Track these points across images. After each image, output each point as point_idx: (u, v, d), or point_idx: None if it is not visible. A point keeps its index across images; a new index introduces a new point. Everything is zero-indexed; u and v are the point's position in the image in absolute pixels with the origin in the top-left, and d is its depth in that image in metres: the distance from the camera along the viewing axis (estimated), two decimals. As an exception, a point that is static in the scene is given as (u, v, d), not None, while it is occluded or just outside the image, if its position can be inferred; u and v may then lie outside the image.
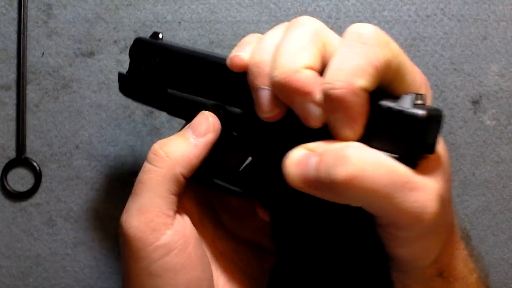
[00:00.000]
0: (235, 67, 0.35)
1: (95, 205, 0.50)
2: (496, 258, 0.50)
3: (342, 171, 0.29)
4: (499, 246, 0.50)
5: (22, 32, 0.49)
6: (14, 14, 0.50)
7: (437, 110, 0.31)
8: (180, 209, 0.37)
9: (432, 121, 0.31)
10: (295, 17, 0.50)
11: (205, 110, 0.38)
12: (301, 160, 0.31)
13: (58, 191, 0.50)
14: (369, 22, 0.50)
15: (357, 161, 0.29)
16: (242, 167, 0.40)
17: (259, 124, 0.35)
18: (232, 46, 0.50)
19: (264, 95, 0.33)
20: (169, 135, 0.49)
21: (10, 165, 0.49)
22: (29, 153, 0.50)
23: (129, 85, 0.41)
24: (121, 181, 0.50)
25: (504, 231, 0.50)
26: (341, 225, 0.34)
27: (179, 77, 0.39)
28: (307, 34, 0.33)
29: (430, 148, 0.31)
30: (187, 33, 0.50)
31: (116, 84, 0.50)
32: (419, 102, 0.31)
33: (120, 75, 0.42)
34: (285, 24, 0.35)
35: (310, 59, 0.32)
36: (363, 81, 0.30)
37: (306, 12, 0.50)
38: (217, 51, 0.50)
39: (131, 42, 0.50)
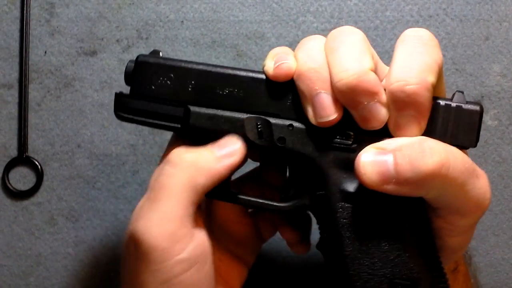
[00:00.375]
0: (283, 76, 0.35)
1: (97, 204, 0.50)
2: (497, 258, 0.50)
3: (429, 162, 0.31)
4: (500, 246, 0.50)
5: (24, 30, 0.49)
6: (17, 13, 0.50)
7: (482, 104, 0.35)
8: (197, 221, 0.35)
9: (482, 114, 0.35)
10: (298, 17, 0.50)
11: (239, 123, 0.37)
12: (376, 159, 0.32)
13: (60, 190, 0.50)
14: (371, 22, 0.50)
15: (442, 151, 0.31)
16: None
17: (304, 133, 0.36)
18: (234, 45, 0.50)
19: (326, 99, 0.33)
20: (170, 135, 0.50)
21: (12, 164, 0.49)
22: (30, 152, 0.50)
23: (133, 105, 0.39)
24: (122, 180, 0.50)
25: (505, 231, 0.50)
26: (398, 223, 0.35)
27: (202, 93, 0.38)
28: (362, 39, 0.34)
29: (477, 140, 0.35)
30: (189, 32, 0.50)
31: (118, 83, 0.50)
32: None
33: (119, 95, 0.39)
34: (317, 36, 0.36)
35: (372, 62, 0.33)
36: (432, 78, 0.32)
37: (308, 12, 0.50)
38: (220, 50, 0.50)
39: (133, 42, 0.50)
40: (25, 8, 0.49)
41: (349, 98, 0.33)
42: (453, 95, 0.35)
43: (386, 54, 0.48)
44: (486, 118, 0.50)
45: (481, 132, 0.50)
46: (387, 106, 0.33)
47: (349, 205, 0.35)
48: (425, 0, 0.50)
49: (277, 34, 0.50)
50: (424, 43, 0.33)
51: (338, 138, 0.36)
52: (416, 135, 0.33)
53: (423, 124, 0.33)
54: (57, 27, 0.50)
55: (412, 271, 0.34)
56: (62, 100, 0.50)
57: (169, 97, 0.38)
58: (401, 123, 0.33)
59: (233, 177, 0.39)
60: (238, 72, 0.37)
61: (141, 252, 0.33)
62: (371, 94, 0.32)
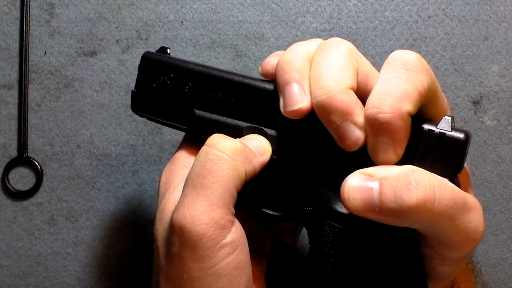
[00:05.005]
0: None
1: (96, 204, 0.50)
2: (496, 258, 0.50)
3: (413, 196, 0.30)
4: (499, 246, 0.50)
5: (24, 31, 0.49)
6: (16, 13, 0.50)
7: (468, 133, 0.33)
8: None
9: (468, 143, 0.33)
10: (297, 17, 0.50)
11: (239, 131, 0.37)
12: (362, 185, 0.32)
13: (59, 190, 0.50)
14: (370, 22, 0.50)
15: (427, 185, 0.30)
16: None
17: (298, 145, 0.36)
18: (233, 46, 0.51)
19: (295, 88, 0.34)
20: (170, 135, 0.50)
21: (12, 164, 0.49)
22: (30, 152, 0.50)
23: (141, 102, 0.39)
24: (122, 181, 0.50)
25: (504, 231, 0.50)
26: (386, 248, 0.34)
27: (198, 96, 0.38)
28: (346, 54, 0.34)
29: (461, 168, 0.33)
30: (189, 32, 0.50)
31: (117, 84, 0.50)
32: (453, 124, 0.33)
33: (134, 92, 0.40)
34: (314, 40, 0.36)
35: (352, 80, 0.33)
36: (409, 106, 0.31)
37: (308, 13, 0.50)
38: (219, 50, 0.50)
39: (133, 42, 0.50)
40: (25, 9, 0.49)
41: (322, 116, 0.33)
42: (441, 119, 0.33)
43: (385, 54, 0.48)
44: (485, 118, 0.50)
45: (480, 132, 0.50)
46: (363, 128, 0.32)
47: (335, 224, 0.35)
48: (424, 0, 0.50)
49: (277, 34, 0.50)
50: (407, 68, 0.32)
51: (330, 157, 0.35)
52: (393, 161, 0.32)
53: (400, 151, 0.32)
54: (57, 28, 0.50)
55: None
56: (62, 100, 0.50)
57: (168, 97, 0.38)
58: (377, 148, 0.32)
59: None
60: (230, 77, 0.37)
61: (189, 240, 0.33)
62: (343, 114, 0.32)
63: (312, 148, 0.35)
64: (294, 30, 0.50)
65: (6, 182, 0.49)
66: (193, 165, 0.34)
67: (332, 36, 0.50)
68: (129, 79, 0.50)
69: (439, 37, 0.50)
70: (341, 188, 0.32)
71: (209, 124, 0.37)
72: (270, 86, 0.37)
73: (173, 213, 0.34)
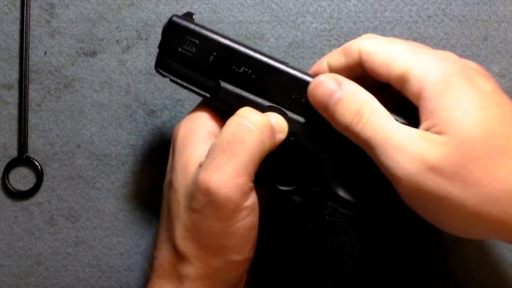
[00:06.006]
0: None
1: (96, 204, 0.50)
2: (496, 258, 0.50)
3: (363, 130, 0.35)
4: (499, 246, 0.50)
5: (24, 31, 0.49)
6: (17, 13, 0.50)
7: None
8: None
9: None
10: (297, 17, 0.50)
11: (261, 109, 0.39)
12: (328, 91, 0.36)
13: (60, 190, 0.50)
14: (370, 22, 0.50)
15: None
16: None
17: (317, 131, 0.38)
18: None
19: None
20: (170, 135, 0.50)
21: (12, 164, 0.49)
22: (31, 152, 0.50)
23: (171, 65, 0.40)
24: (122, 180, 0.50)
25: (504, 231, 0.50)
26: (372, 237, 0.38)
27: (222, 67, 0.39)
28: None
29: None
30: (189, 33, 0.50)
31: (117, 84, 0.50)
32: None
33: (159, 52, 0.41)
34: None
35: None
36: None
37: (308, 13, 0.50)
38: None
39: (133, 42, 0.50)
40: (25, 9, 0.49)
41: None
42: None
43: (385, 54, 0.48)
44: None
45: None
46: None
47: (337, 206, 0.37)
48: (424, 0, 0.50)
49: (277, 34, 0.50)
50: None
51: (338, 150, 0.38)
52: None
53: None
54: (57, 28, 0.50)
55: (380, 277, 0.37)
56: (62, 100, 0.50)
57: (193, 63, 0.39)
58: None
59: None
60: (253, 53, 0.39)
61: (214, 200, 0.36)
62: None
63: (325, 137, 0.38)
64: (294, 30, 0.50)
65: (6, 182, 0.49)
66: (223, 132, 0.37)
67: (332, 36, 0.50)
68: (129, 79, 0.50)
69: (439, 37, 0.50)
70: (315, 79, 0.37)
71: (232, 97, 0.39)
72: (290, 70, 0.39)
73: (200, 173, 0.36)
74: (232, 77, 0.39)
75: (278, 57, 0.40)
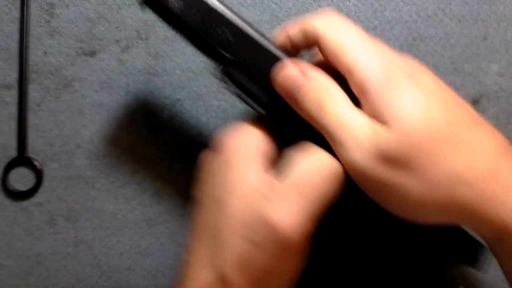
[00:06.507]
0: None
1: (96, 204, 0.50)
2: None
3: (321, 118, 0.35)
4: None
5: (24, 31, 0.49)
6: (16, 13, 0.50)
7: None
8: None
9: None
10: (296, 17, 0.50)
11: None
12: (293, 77, 0.37)
13: (59, 190, 0.50)
14: (370, 22, 0.50)
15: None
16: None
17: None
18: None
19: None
20: (170, 135, 0.50)
21: (12, 165, 0.49)
22: (30, 152, 0.50)
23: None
24: (122, 180, 0.50)
25: (503, 230, 0.50)
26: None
27: (204, 22, 0.39)
28: None
29: None
30: (188, 32, 0.50)
31: (117, 84, 0.50)
32: None
33: None
34: None
35: None
36: None
37: (308, 13, 0.50)
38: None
39: (133, 42, 0.50)
40: (24, 9, 0.49)
41: None
42: None
43: (384, 54, 0.48)
44: (484, 117, 0.51)
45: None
46: None
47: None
48: (423, 0, 0.50)
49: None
50: None
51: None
52: None
53: None
54: (57, 28, 0.50)
55: None
56: (62, 100, 0.50)
57: (178, 14, 0.39)
58: None
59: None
60: (235, 20, 0.39)
61: (279, 241, 0.35)
62: None
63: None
64: (293, 30, 0.50)
65: (6, 182, 0.49)
66: (300, 170, 0.36)
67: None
68: (129, 79, 0.50)
69: (439, 37, 0.50)
70: (279, 66, 0.38)
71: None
72: (267, 43, 0.39)
73: (268, 208, 0.35)
74: (212, 34, 0.39)
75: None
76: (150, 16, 0.50)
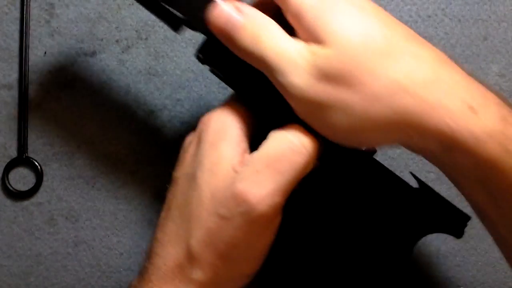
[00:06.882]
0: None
1: (96, 204, 0.50)
2: (495, 257, 0.50)
3: (259, 51, 0.35)
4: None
5: (24, 31, 0.49)
6: (16, 13, 0.50)
7: None
8: None
9: None
10: None
11: None
12: (228, 14, 0.36)
13: (60, 190, 0.50)
14: (370, 22, 0.50)
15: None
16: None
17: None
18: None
19: None
20: (170, 135, 0.50)
21: (12, 164, 0.49)
22: (30, 152, 0.50)
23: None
24: (122, 180, 0.50)
25: (504, 230, 0.50)
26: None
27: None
28: None
29: None
30: (188, 32, 0.50)
31: (117, 84, 0.50)
32: None
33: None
34: None
35: None
36: None
37: None
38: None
39: (133, 42, 0.50)
40: (24, 9, 0.49)
41: None
42: None
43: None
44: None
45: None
46: None
47: None
48: (423, 0, 0.50)
49: (276, 34, 0.50)
50: None
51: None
52: None
53: None
54: (57, 28, 0.50)
55: None
56: (62, 100, 0.50)
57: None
58: None
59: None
60: None
61: (247, 213, 0.35)
62: None
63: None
64: (293, 30, 0.50)
65: (6, 182, 0.49)
66: (270, 144, 0.36)
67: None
68: (129, 79, 0.50)
69: (439, 37, 0.50)
70: (213, 5, 0.37)
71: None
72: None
73: (237, 181, 0.35)
74: None
75: None
76: (150, 16, 0.50)
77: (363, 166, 0.39)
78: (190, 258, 0.36)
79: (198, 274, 0.36)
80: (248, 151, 0.38)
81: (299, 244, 0.43)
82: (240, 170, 0.36)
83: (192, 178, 0.37)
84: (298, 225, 0.42)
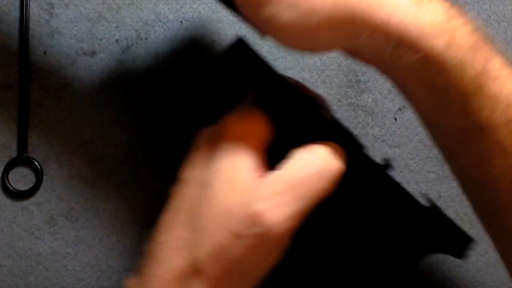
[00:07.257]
0: None
1: (96, 204, 0.50)
2: (495, 258, 0.50)
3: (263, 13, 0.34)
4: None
5: (24, 31, 0.49)
6: (16, 13, 0.50)
7: None
8: None
9: None
10: None
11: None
12: None
13: (59, 190, 0.50)
14: (370, 22, 0.50)
15: None
16: None
17: None
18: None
19: None
20: (171, 135, 0.50)
21: (12, 164, 0.49)
22: (30, 152, 0.50)
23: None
24: (122, 180, 0.50)
25: (504, 230, 0.50)
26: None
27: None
28: None
29: None
30: (188, 32, 0.50)
31: (117, 84, 0.50)
32: None
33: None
34: None
35: None
36: None
37: None
38: (219, 50, 0.50)
39: (133, 42, 0.50)
40: (24, 9, 0.49)
41: None
42: None
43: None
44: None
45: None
46: None
47: None
48: (423, 0, 0.50)
49: (276, 34, 0.50)
50: None
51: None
52: None
53: None
54: (57, 28, 0.50)
55: None
56: (62, 100, 0.50)
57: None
58: None
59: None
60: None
61: (263, 235, 0.34)
62: None
63: None
64: (293, 30, 0.50)
65: (6, 182, 0.49)
66: (296, 165, 0.35)
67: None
68: (129, 79, 0.50)
69: (439, 37, 0.50)
70: None
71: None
72: None
73: (257, 201, 0.34)
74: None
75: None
76: (150, 16, 0.50)
77: (375, 181, 0.38)
78: (196, 270, 0.35)
79: (200, 287, 0.35)
80: (266, 163, 0.36)
81: (305, 253, 0.43)
82: (259, 188, 0.34)
83: (206, 185, 0.36)
84: (303, 234, 0.42)
